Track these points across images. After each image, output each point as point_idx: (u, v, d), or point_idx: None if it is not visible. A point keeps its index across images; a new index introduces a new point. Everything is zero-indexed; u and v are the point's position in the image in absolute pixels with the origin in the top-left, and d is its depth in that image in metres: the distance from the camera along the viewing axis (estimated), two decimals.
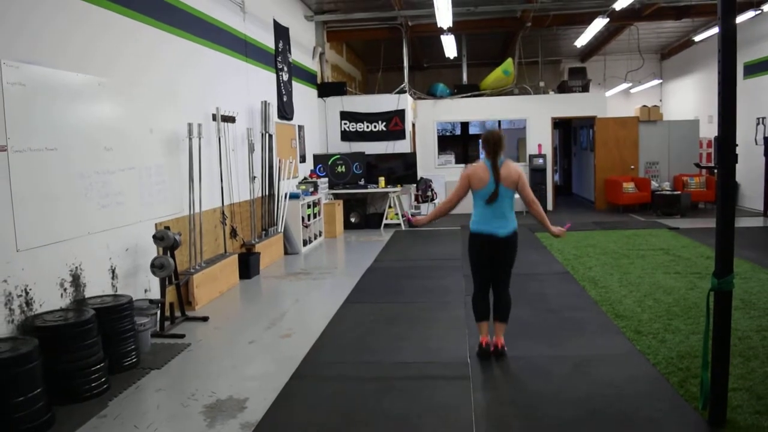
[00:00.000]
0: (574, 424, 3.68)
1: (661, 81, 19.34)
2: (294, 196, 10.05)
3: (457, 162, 15.42)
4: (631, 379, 4.31)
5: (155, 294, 6.06)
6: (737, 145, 3.31)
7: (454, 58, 15.29)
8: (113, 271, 5.52)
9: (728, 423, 3.54)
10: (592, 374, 4.44)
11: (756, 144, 13.10)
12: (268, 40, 10.05)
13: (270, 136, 9.44)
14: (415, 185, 13.55)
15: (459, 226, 12.16)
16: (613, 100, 17.91)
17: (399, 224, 12.67)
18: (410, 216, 5.58)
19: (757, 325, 5.36)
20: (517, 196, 4.77)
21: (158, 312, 5.70)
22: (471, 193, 4.79)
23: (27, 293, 4.41)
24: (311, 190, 10.92)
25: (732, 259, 3.43)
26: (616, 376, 4.39)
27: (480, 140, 4.87)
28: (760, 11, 11.55)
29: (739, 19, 11.23)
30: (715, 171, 3.31)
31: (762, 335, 5.07)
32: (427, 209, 13.65)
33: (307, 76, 12.60)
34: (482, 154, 4.86)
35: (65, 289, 4.84)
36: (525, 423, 3.76)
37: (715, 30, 3.15)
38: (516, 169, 4.72)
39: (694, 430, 3.58)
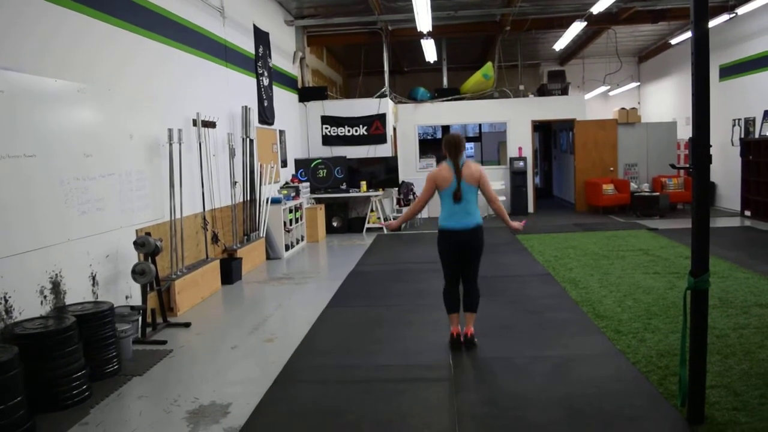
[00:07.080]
0: (556, 423, 3.72)
1: (638, 84, 19.59)
2: (275, 201, 10.05)
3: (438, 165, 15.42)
4: (611, 378, 4.37)
5: (136, 300, 6.02)
6: (711, 146, 3.37)
7: (435, 62, 15.37)
8: (94, 278, 5.49)
9: (706, 419, 3.59)
10: (573, 374, 4.49)
11: (732, 145, 13.30)
12: (248, 45, 10.04)
13: (251, 141, 9.43)
14: (396, 189, 13.58)
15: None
16: (592, 102, 18.09)
17: (381, 228, 12.69)
18: (383, 222, 5.96)
19: (734, 323, 5.44)
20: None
21: (139, 318, 5.66)
22: (438, 193, 5.16)
23: (6, 300, 4.37)
24: (293, 194, 10.91)
25: (707, 258, 3.49)
26: (596, 375, 4.44)
27: (442, 144, 5.15)
28: (734, 15, 11.73)
29: (713, 22, 11.41)
30: (691, 171, 3.37)
31: (739, 333, 5.15)
32: None
33: (288, 81, 12.60)
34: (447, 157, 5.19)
35: (45, 297, 4.80)
36: (507, 423, 3.78)
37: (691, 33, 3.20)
38: (477, 168, 5.12)
39: (673, 426, 3.63)
